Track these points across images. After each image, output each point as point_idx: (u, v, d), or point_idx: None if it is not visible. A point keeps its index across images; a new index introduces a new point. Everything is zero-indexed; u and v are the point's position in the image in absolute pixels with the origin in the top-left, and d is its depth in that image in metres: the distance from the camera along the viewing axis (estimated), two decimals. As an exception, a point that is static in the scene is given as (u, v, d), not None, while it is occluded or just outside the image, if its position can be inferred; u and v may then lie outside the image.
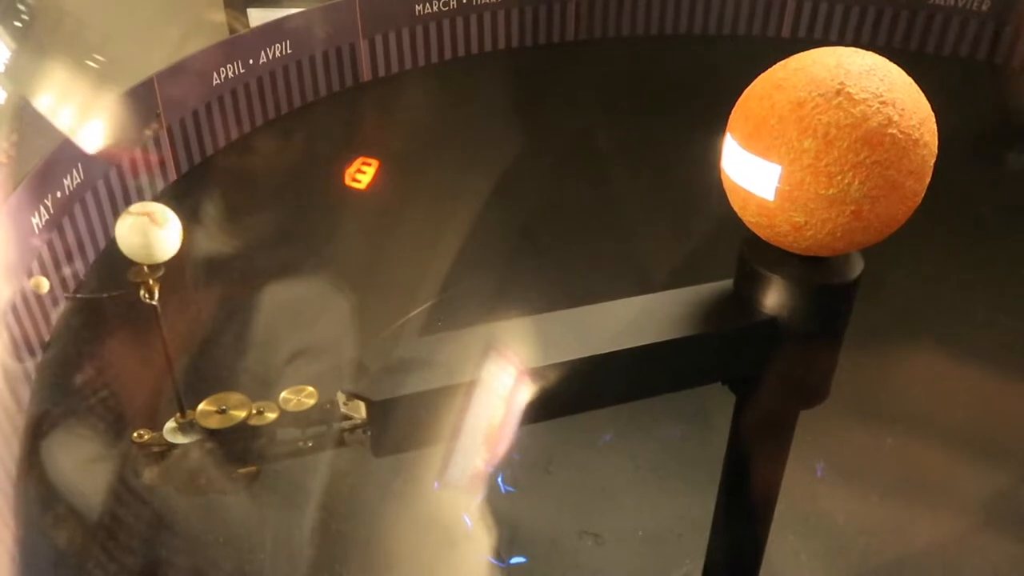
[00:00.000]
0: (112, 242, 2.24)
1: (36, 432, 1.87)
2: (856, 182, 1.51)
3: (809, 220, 1.58)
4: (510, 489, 2.87)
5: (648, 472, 2.98)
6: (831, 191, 1.53)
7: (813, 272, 1.77)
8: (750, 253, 1.82)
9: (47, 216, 1.96)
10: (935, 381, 2.93)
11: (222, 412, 1.57)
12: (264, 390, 1.67)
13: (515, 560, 2.72)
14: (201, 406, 1.58)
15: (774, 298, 1.78)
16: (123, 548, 2.03)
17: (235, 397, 1.60)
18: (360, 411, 1.59)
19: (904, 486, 2.83)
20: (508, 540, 2.73)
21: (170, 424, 1.58)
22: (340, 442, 1.65)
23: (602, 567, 2.73)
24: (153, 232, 1.39)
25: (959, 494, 2.80)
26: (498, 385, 1.61)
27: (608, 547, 2.79)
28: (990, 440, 2.86)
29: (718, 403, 2.16)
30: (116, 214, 2.25)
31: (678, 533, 2.73)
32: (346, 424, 1.63)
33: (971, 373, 2.93)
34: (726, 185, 1.76)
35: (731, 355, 1.91)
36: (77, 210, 2.10)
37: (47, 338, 1.99)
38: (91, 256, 2.12)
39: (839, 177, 1.51)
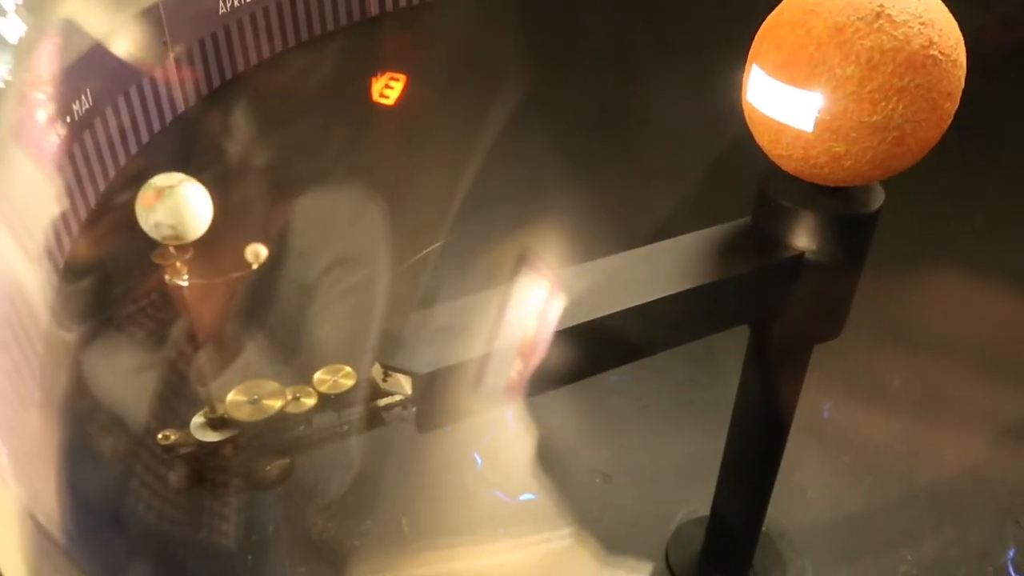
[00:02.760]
0: (119, 172, 2.12)
1: (64, 345, 1.79)
2: (900, 107, 1.47)
3: (850, 149, 1.53)
4: (519, 429, 2.86)
5: (656, 413, 3.00)
6: (875, 118, 1.48)
7: (842, 203, 1.73)
8: (773, 188, 1.77)
9: (56, 141, 1.87)
10: (953, 305, 2.91)
11: (254, 402, 1.47)
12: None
13: (524, 497, 2.73)
14: (231, 396, 1.48)
15: (803, 233, 1.75)
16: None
17: (267, 385, 1.51)
18: (402, 386, 1.50)
19: (916, 419, 2.85)
20: (517, 477, 2.73)
21: (198, 419, 1.48)
22: (378, 421, 1.56)
23: (611, 504, 2.76)
24: (180, 211, 1.28)
25: (974, 422, 2.82)
26: (532, 297, 1.55)
27: (616, 485, 2.81)
28: (1007, 367, 2.86)
29: (726, 345, 2.14)
30: (125, 144, 2.16)
31: (686, 472, 2.75)
32: (384, 401, 1.54)
33: (989, 296, 2.91)
34: (752, 118, 1.69)
35: (756, 295, 1.87)
36: (86, 137, 2.00)
37: (67, 252, 1.90)
38: (101, 186, 2.03)
39: (883, 103, 1.46)
